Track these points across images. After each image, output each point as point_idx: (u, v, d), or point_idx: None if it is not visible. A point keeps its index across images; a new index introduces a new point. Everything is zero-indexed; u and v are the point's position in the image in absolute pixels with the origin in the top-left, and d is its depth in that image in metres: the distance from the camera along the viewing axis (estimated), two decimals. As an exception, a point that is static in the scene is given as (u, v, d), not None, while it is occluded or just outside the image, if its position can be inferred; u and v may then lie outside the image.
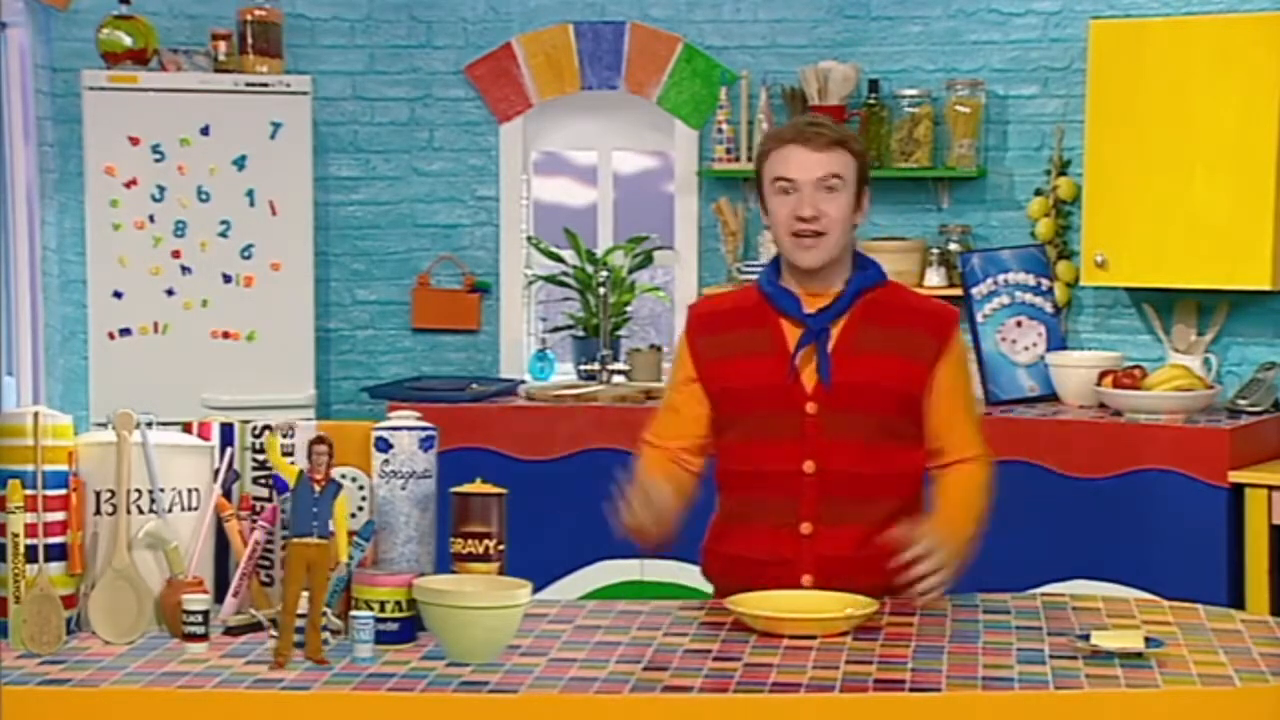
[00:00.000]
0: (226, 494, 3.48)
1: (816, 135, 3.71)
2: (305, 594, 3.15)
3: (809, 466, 3.69)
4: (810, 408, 3.69)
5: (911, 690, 3.01)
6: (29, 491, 3.26)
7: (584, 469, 6.20)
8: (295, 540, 3.15)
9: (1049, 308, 6.43)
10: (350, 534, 3.36)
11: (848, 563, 3.65)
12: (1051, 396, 6.27)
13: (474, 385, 6.57)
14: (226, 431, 3.52)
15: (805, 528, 3.69)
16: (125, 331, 6.50)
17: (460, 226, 7.11)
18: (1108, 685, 3.03)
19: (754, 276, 6.44)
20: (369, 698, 2.98)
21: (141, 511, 3.36)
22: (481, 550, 3.37)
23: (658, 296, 7.12)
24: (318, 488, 3.19)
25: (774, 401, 3.71)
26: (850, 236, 3.74)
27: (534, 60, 7.00)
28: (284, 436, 3.52)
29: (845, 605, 3.41)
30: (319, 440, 3.23)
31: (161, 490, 3.38)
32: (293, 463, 3.46)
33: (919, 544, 3.57)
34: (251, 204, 6.56)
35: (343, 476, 3.43)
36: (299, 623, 3.16)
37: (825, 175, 3.68)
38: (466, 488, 3.40)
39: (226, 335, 6.57)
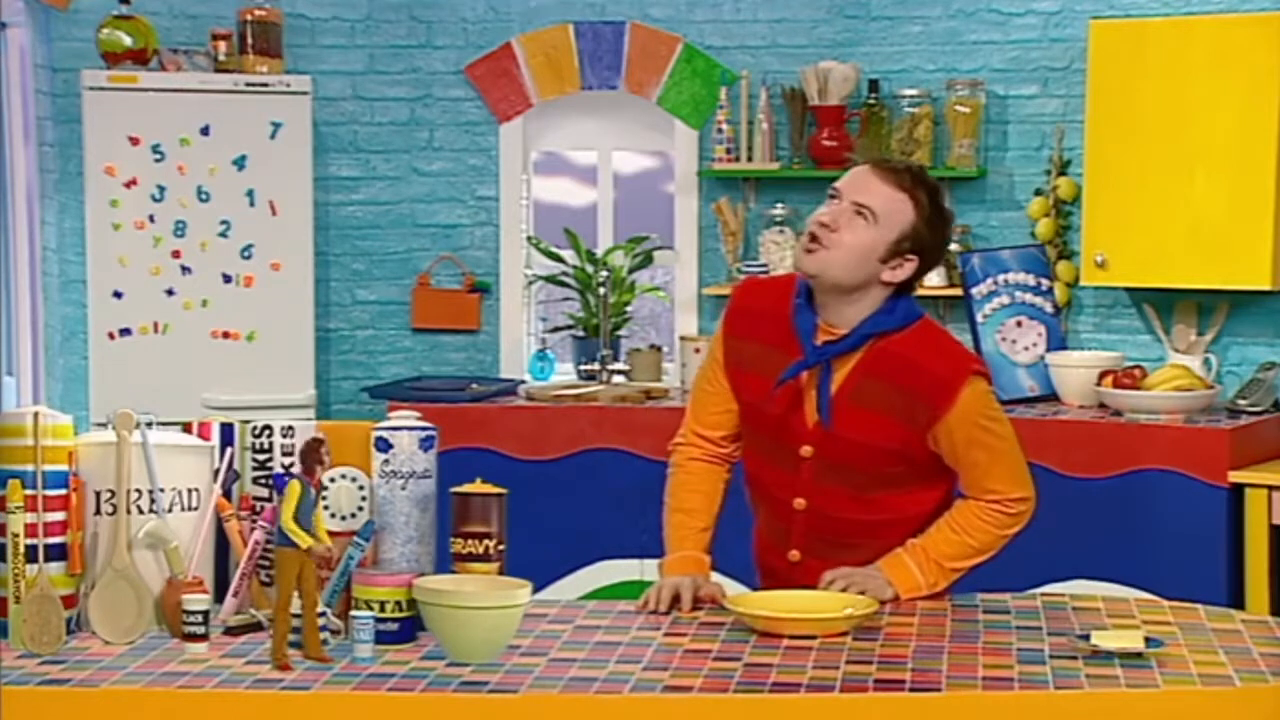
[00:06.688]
0: (226, 494, 3.48)
1: (890, 168, 3.63)
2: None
3: (800, 504, 3.69)
4: (805, 451, 3.66)
5: (911, 690, 3.01)
6: (29, 491, 3.26)
7: (584, 469, 6.20)
8: (284, 548, 3.15)
9: (1049, 308, 6.43)
10: (350, 534, 3.36)
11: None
12: (1051, 396, 6.27)
13: (474, 385, 6.57)
14: (226, 431, 3.52)
15: (793, 555, 3.72)
16: (125, 331, 6.50)
17: (460, 226, 7.11)
18: (1108, 685, 3.03)
19: (755, 271, 6.51)
20: (369, 698, 2.98)
21: (141, 511, 3.36)
22: (481, 550, 3.37)
23: (658, 296, 7.12)
24: (315, 490, 3.19)
25: (774, 431, 3.69)
26: (865, 277, 3.60)
27: (534, 60, 7.00)
28: (284, 436, 3.53)
29: (845, 605, 3.42)
30: (321, 441, 3.22)
31: (161, 490, 3.38)
32: (292, 464, 3.47)
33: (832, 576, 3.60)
34: (251, 204, 6.57)
35: (343, 476, 3.43)
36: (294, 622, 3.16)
37: (863, 202, 3.58)
38: (466, 488, 3.40)
39: (226, 335, 6.57)
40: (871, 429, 3.60)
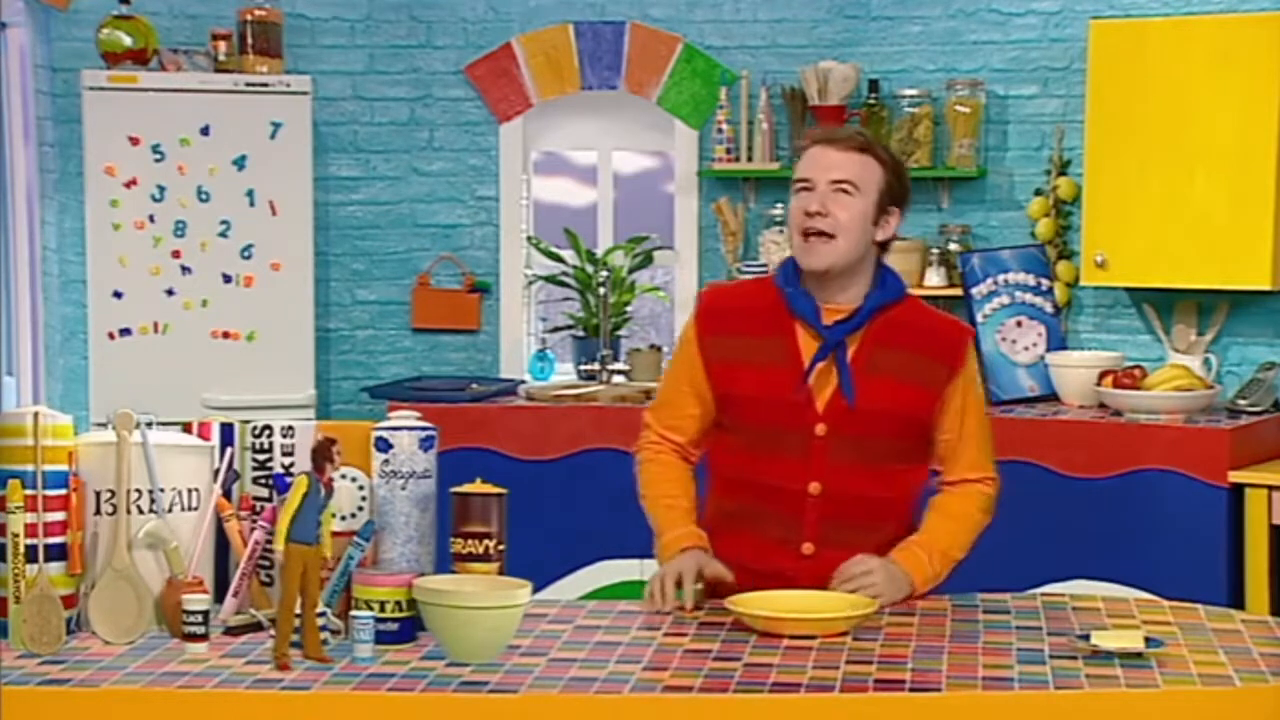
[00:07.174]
0: (226, 494, 3.49)
1: (841, 138, 3.71)
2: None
3: (814, 488, 3.67)
4: (820, 429, 3.65)
5: (911, 690, 3.01)
6: (29, 491, 3.26)
7: (584, 469, 6.20)
8: (294, 544, 3.15)
9: (1049, 308, 6.43)
10: (350, 534, 3.36)
11: None
12: (1051, 396, 6.27)
13: (474, 385, 6.57)
14: (226, 431, 3.52)
15: (807, 548, 3.68)
16: (125, 331, 6.50)
17: (460, 226, 7.11)
18: (1108, 685, 3.03)
19: (755, 271, 6.51)
20: (369, 698, 2.98)
21: (141, 511, 3.36)
22: (481, 550, 3.37)
23: (658, 296, 7.13)
24: (325, 490, 3.19)
25: (783, 418, 3.67)
26: (865, 248, 3.68)
27: (534, 60, 7.00)
28: (284, 436, 3.53)
29: (845, 605, 3.42)
30: (333, 441, 3.22)
31: (161, 490, 3.38)
32: (292, 465, 3.47)
33: (855, 569, 3.59)
34: (251, 204, 6.56)
35: (343, 476, 3.43)
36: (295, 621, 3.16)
37: (840, 178, 3.65)
38: (466, 488, 3.40)
39: (226, 335, 6.57)
40: (891, 397, 3.65)
